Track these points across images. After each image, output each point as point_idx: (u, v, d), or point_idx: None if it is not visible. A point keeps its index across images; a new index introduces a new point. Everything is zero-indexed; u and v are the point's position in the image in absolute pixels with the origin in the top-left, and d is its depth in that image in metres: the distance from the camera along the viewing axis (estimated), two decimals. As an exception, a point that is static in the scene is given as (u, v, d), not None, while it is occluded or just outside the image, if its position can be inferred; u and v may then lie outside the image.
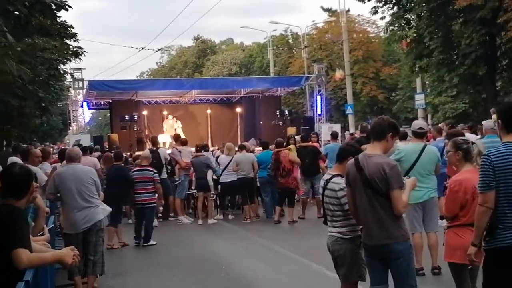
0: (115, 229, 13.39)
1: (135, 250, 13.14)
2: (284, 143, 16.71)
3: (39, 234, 5.96)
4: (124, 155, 16.09)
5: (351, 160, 5.99)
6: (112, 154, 15.86)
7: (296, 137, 18.64)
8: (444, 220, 6.45)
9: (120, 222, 13.80)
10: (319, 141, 21.54)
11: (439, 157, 9.21)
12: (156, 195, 13.99)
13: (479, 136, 13.39)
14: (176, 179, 17.12)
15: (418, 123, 9.77)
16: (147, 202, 13.72)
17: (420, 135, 9.32)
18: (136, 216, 14.01)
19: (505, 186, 4.94)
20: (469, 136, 11.40)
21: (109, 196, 13.24)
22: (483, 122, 13.42)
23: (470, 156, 6.06)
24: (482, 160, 5.11)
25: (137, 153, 21.37)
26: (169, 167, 17.16)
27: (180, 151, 17.23)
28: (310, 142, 17.37)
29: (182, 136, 20.93)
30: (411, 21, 30.70)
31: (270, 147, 17.26)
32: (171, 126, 32.11)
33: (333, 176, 6.40)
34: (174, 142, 18.99)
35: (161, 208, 16.26)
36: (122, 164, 14.51)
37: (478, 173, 5.17)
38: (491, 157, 5.00)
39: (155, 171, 14.33)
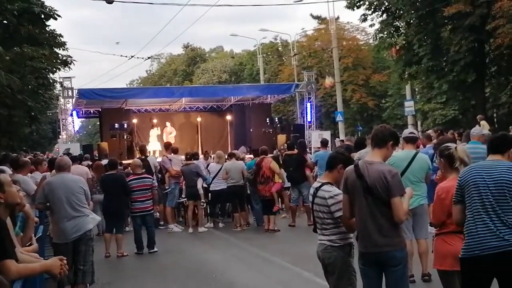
0: (122, 236, 13.45)
1: (126, 259, 13.07)
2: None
3: (27, 244, 5.92)
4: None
5: (350, 167, 5.98)
6: (102, 163, 15.83)
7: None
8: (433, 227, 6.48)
9: (123, 231, 13.83)
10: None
11: (430, 165, 9.20)
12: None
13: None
14: (166, 188, 17.09)
15: (409, 130, 9.84)
16: (148, 209, 13.81)
17: (411, 140, 9.32)
18: (135, 225, 13.90)
19: (469, 199, 5.37)
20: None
21: (111, 205, 13.26)
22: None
23: (453, 161, 6.06)
24: None
25: (126, 161, 21.34)
26: (160, 175, 17.16)
27: (170, 159, 17.19)
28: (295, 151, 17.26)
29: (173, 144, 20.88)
30: (400, 29, 30.87)
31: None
32: (169, 133, 31.94)
33: (323, 184, 6.37)
34: (165, 150, 18.92)
35: (157, 214, 16.25)
36: (120, 173, 14.52)
37: None
38: (461, 173, 5.56)
39: (153, 178, 14.41)
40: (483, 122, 21.49)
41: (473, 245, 5.23)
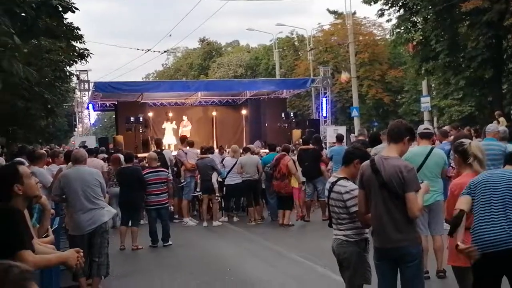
0: (137, 229, 13.49)
1: (140, 252, 13.13)
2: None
3: (43, 236, 5.96)
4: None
5: (366, 162, 5.98)
6: (119, 156, 15.88)
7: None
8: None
9: (138, 224, 13.86)
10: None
11: (445, 161, 9.20)
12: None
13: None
14: (182, 181, 17.12)
15: (424, 126, 9.81)
16: (163, 203, 13.87)
17: (426, 135, 9.29)
18: (150, 218, 13.95)
19: (477, 199, 5.38)
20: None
21: (127, 198, 13.29)
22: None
23: (467, 157, 6.03)
24: None
25: (141, 155, 21.41)
26: (175, 169, 17.20)
27: (186, 153, 17.23)
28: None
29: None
30: (418, 24, 30.69)
31: (277, 149, 17.27)
32: (185, 126, 32.06)
33: (339, 179, 6.37)
34: (180, 143, 18.95)
35: (172, 207, 16.32)
36: (136, 166, 14.59)
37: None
38: (476, 176, 5.61)
39: (168, 171, 14.45)
40: (501, 119, 21.34)
41: (477, 244, 5.22)
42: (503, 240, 5.07)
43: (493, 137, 10.98)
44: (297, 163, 16.09)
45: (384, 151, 6.06)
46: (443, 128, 19.89)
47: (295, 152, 18.05)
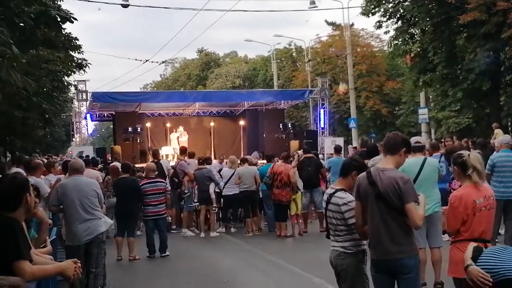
0: (134, 239, 13.49)
1: (137, 263, 13.09)
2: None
3: (41, 246, 5.94)
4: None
5: (363, 174, 5.97)
6: (117, 166, 15.83)
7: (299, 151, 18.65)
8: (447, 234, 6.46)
9: (135, 235, 13.86)
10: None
11: (439, 168, 9.41)
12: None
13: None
14: (186, 191, 16.99)
15: (415, 139, 9.87)
16: (161, 213, 13.86)
17: (418, 148, 9.34)
18: (148, 229, 13.89)
19: None
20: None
21: (124, 209, 13.26)
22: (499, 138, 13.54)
23: (466, 169, 6.00)
24: None
25: (139, 165, 21.36)
26: (176, 180, 17.10)
27: (188, 163, 17.25)
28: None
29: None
30: (415, 36, 30.79)
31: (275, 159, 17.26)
32: (182, 137, 32.24)
33: (336, 191, 6.35)
34: (180, 155, 18.88)
35: (170, 218, 16.28)
36: (133, 177, 14.61)
37: (478, 188, 5.66)
38: None
39: (166, 181, 14.47)
40: (497, 131, 21.38)
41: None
42: None
43: (508, 148, 11.18)
44: (297, 173, 16.00)
45: (380, 163, 6.07)
46: (432, 141, 19.97)
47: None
